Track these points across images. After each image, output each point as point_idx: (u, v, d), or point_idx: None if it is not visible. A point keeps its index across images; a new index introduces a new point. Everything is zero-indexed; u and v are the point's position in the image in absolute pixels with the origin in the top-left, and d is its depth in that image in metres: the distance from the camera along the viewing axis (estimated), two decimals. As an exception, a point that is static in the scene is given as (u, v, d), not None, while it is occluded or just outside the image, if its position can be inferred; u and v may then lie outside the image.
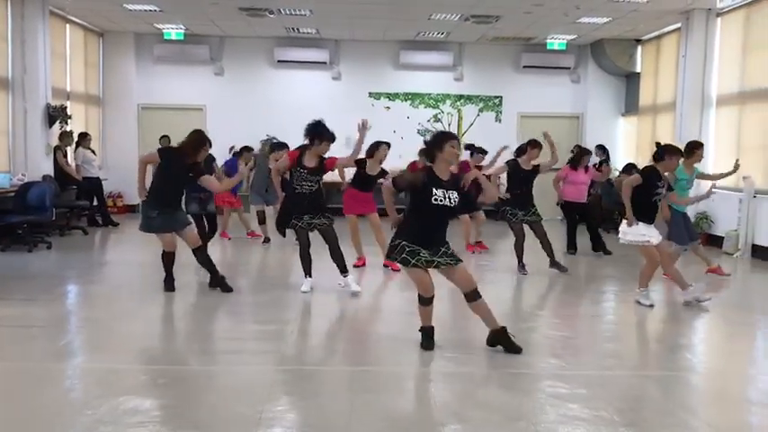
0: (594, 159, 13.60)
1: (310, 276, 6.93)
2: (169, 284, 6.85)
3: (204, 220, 8.89)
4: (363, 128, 6.84)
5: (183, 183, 6.83)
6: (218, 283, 6.90)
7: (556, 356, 5.10)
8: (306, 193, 6.74)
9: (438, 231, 5.00)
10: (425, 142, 5.09)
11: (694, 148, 7.65)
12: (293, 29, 13.53)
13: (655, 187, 6.52)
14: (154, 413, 3.85)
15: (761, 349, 5.78)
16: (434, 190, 4.85)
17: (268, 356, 4.95)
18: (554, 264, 8.38)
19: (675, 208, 7.64)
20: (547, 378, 4.58)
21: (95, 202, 12.20)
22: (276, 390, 4.25)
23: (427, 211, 4.91)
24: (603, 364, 5.02)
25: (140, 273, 8.40)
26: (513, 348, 4.98)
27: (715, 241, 10.80)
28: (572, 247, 10.06)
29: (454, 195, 4.92)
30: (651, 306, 6.62)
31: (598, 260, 9.55)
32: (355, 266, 8.22)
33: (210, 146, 6.91)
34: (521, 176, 8.36)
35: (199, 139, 6.72)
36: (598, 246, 10.01)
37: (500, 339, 5.03)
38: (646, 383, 4.62)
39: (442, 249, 4.97)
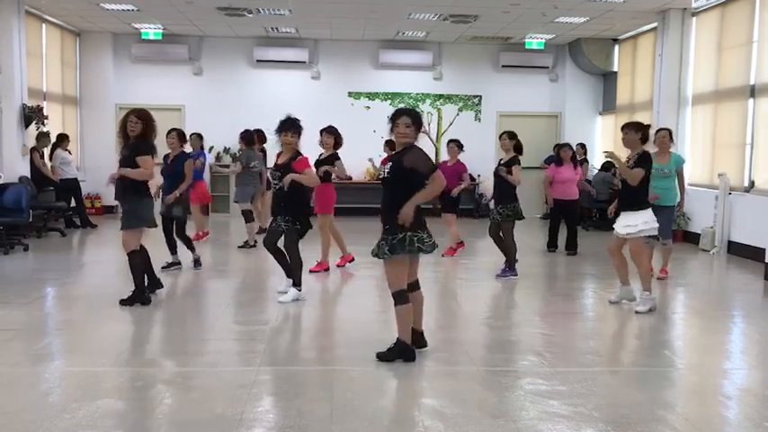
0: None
1: (296, 285, 6.57)
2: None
3: (173, 224, 8.01)
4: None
5: (123, 166, 6.23)
6: (135, 299, 6.32)
7: (536, 354, 5.13)
8: (279, 191, 6.42)
9: (385, 212, 4.68)
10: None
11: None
12: (272, 28, 13.49)
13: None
14: (132, 416, 3.82)
15: (736, 344, 5.86)
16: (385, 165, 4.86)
17: (248, 357, 4.93)
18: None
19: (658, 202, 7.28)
20: (527, 375, 4.62)
21: (73, 204, 12.07)
22: (257, 390, 4.24)
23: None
24: (583, 362, 5.07)
25: (119, 274, 8.32)
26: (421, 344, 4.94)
27: (692, 238, 10.93)
28: (553, 245, 10.12)
29: (388, 166, 4.74)
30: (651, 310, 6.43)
31: (574, 258, 9.62)
32: (338, 266, 8.24)
33: (141, 117, 6.22)
34: (496, 173, 8.14)
35: (122, 117, 6.34)
36: (572, 245, 10.03)
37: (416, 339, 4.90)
38: (624, 380, 4.67)
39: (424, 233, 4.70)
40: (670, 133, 7.88)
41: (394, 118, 4.72)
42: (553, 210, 10.17)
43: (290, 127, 6.35)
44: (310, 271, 7.79)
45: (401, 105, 14.59)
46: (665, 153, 7.73)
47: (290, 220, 6.42)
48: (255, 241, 9.77)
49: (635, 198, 6.37)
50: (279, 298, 6.54)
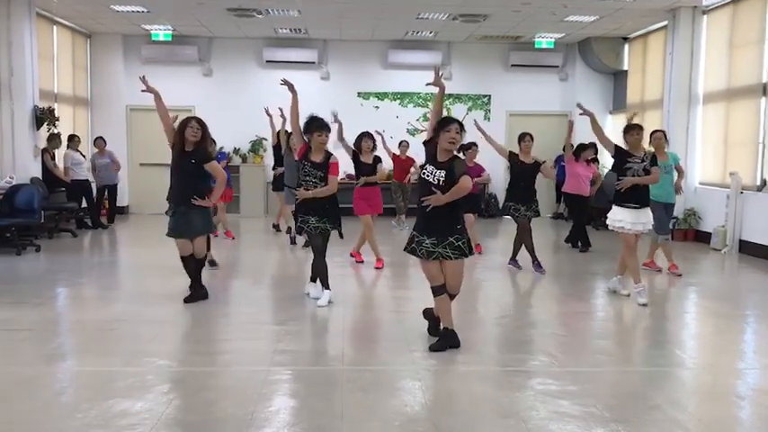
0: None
1: (328, 288, 6.49)
2: (194, 294, 6.51)
3: None
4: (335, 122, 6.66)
5: (189, 174, 6.28)
6: (197, 297, 6.54)
7: (547, 354, 5.12)
8: (310, 190, 6.31)
9: (433, 216, 4.95)
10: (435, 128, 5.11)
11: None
12: (281, 29, 13.51)
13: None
14: (144, 416, 3.84)
15: (749, 344, 5.82)
16: (427, 165, 5.02)
17: (259, 357, 4.94)
18: (513, 261, 8.46)
19: (660, 199, 7.82)
20: (537, 375, 4.61)
21: (84, 204, 12.14)
22: (268, 390, 4.25)
23: (421, 191, 5.04)
24: (593, 361, 5.05)
25: (130, 275, 8.38)
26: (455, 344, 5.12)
27: (703, 237, 10.87)
28: (585, 243, 9.99)
29: (441, 174, 4.93)
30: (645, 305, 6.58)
31: (587, 256, 9.60)
32: (376, 268, 8.30)
33: (201, 124, 6.31)
34: (520, 170, 8.25)
35: (181, 122, 6.32)
36: (576, 241, 10.07)
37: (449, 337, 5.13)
38: (635, 379, 4.65)
39: (450, 239, 4.95)
40: (664, 134, 8.21)
41: (445, 124, 4.96)
42: (570, 206, 10.17)
43: (325, 126, 6.38)
44: (376, 267, 8.33)
45: (411, 107, 14.63)
46: (662, 152, 7.95)
47: (334, 223, 6.43)
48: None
49: (647, 195, 6.73)
50: (319, 302, 6.43)
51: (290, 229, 10.54)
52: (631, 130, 6.81)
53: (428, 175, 4.99)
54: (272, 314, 6.34)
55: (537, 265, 8.22)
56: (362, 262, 8.64)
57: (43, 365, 4.73)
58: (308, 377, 4.57)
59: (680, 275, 8.07)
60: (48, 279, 7.90)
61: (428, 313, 5.48)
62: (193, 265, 6.56)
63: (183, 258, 6.52)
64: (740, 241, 10.01)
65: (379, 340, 5.50)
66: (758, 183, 9.86)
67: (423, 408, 4.06)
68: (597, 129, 6.88)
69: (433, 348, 5.05)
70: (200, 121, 6.35)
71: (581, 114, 6.90)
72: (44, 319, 6.05)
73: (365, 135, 8.51)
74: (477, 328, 5.93)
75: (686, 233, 11.27)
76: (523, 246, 8.32)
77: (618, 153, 6.73)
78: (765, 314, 6.64)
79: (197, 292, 6.55)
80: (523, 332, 5.82)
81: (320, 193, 6.28)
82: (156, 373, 4.56)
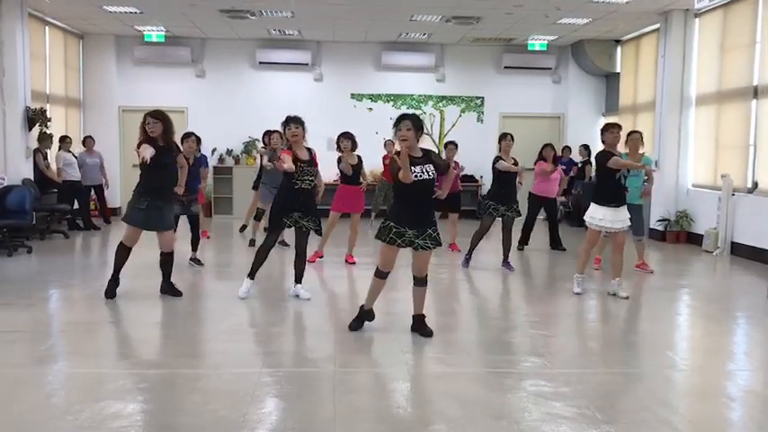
0: (578, 159, 13.76)
1: (252, 278, 6.71)
2: (111, 288, 6.63)
3: (189, 223, 8.53)
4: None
5: (169, 169, 6.52)
6: (168, 289, 6.75)
7: (538, 355, 5.13)
8: (305, 189, 6.44)
9: (423, 208, 5.25)
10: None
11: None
12: (275, 30, 13.50)
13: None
14: (135, 418, 3.83)
15: (740, 345, 5.84)
16: (412, 167, 5.10)
17: (251, 359, 4.94)
18: (506, 263, 8.52)
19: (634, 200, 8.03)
20: (529, 377, 4.62)
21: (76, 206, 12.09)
22: (260, 392, 4.24)
23: (411, 189, 5.15)
24: (585, 363, 5.07)
25: (121, 277, 8.34)
26: (426, 333, 5.46)
27: (695, 239, 10.92)
28: (524, 241, 10.25)
29: (430, 168, 5.18)
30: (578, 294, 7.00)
31: (569, 257, 9.62)
32: (309, 261, 8.25)
33: (158, 117, 6.38)
34: (502, 171, 8.38)
35: (141, 122, 6.42)
36: (559, 243, 10.24)
37: (419, 324, 5.52)
38: (627, 381, 4.67)
39: (428, 231, 5.24)
40: (641, 136, 8.23)
41: (397, 122, 5.19)
42: (531, 204, 10.27)
43: (295, 119, 6.44)
44: (348, 262, 8.66)
45: (405, 109, 14.65)
46: (636, 153, 7.99)
47: (315, 221, 6.56)
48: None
49: (625, 194, 7.02)
50: (304, 297, 6.68)
51: (244, 227, 11.23)
52: (611, 128, 6.94)
53: (420, 174, 5.11)
54: (263, 315, 6.33)
55: (507, 263, 8.47)
56: (354, 263, 8.65)
57: (34, 367, 4.71)
58: (300, 379, 4.56)
59: (651, 272, 8.40)
60: (39, 280, 7.86)
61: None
62: (162, 258, 6.72)
63: (125, 248, 6.59)
64: (732, 243, 10.05)
65: (371, 341, 5.50)
66: (749, 185, 9.91)
67: (414, 409, 4.06)
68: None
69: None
70: (154, 114, 6.41)
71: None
72: (35, 320, 6.03)
73: (341, 135, 8.48)
74: (466, 329, 5.93)
75: (678, 235, 11.32)
76: (485, 241, 8.66)
77: (602, 154, 6.89)
78: (756, 316, 6.67)
79: (170, 287, 6.75)
80: (513, 334, 5.83)
81: (322, 186, 6.80)
82: (147, 375, 4.55)
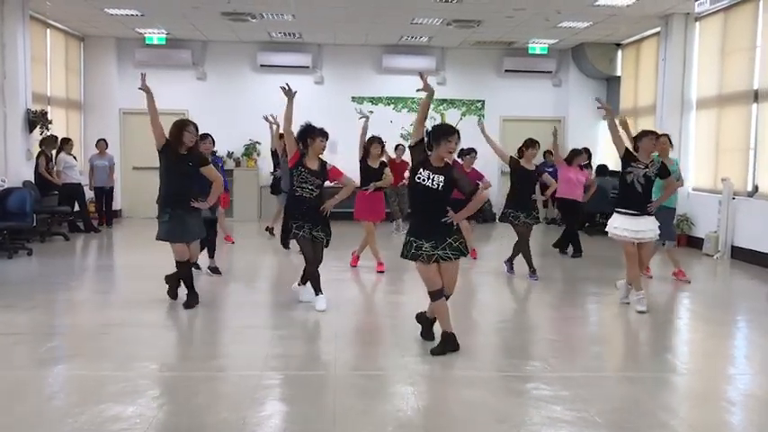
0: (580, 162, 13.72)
1: (322, 293, 6.48)
2: (190, 300, 6.45)
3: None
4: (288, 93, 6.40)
5: (186, 177, 6.29)
6: (192, 300, 6.50)
7: (540, 359, 5.13)
8: (306, 197, 6.29)
9: (433, 219, 5.01)
10: (427, 134, 5.16)
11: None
12: (276, 33, 13.52)
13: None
14: (135, 420, 3.82)
15: (740, 349, 5.84)
16: (421, 170, 5.00)
17: (253, 362, 4.93)
18: (508, 264, 8.50)
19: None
20: (531, 380, 4.61)
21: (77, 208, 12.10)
22: (260, 395, 4.24)
23: (416, 196, 5.06)
24: (586, 367, 5.06)
25: (122, 279, 8.35)
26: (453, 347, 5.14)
27: (695, 243, 10.92)
28: (578, 249, 9.92)
29: (440, 179, 4.97)
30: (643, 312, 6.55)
31: (576, 262, 9.62)
32: (378, 272, 8.30)
33: (197, 129, 6.40)
34: (522, 177, 8.24)
35: (177, 123, 6.32)
36: (564, 246, 10.09)
37: (449, 341, 5.16)
38: (628, 385, 4.66)
39: (448, 240, 5.01)
40: (669, 139, 8.01)
41: (446, 134, 5.01)
42: (563, 212, 10.17)
43: (326, 133, 6.41)
44: (378, 271, 8.35)
45: (405, 112, 14.63)
46: (667, 157, 7.82)
47: (328, 232, 6.44)
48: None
49: (643, 201, 6.62)
50: (318, 307, 6.41)
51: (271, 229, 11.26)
52: (649, 134, 6.69)
53: (425, 180, 4.98)
54: (266, 319, 6.33)
55: (532, 272, 8.16)
56: (356, 266, 8.63)
57: (34, 369, 4.71)
58: (301, 382, 4.56)
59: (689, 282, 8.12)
60: (39, 283, 7.86)
61: (421, 317, 5.48)
62: (190, 269, 6.55)
63: (180, 264, 6.45)
64: (732, 247, 10.05)
65: (373, 345, 5.49)
66: (750, 189, 9.90)
67: (415, 413, 4.05)
68: (613, 126, 6.67)
69: (433, 352, 5.06)
70: (195, 126, 6.40)
71: (599, 108, 6.97)
72: (35, 322, 6.03)
73: (375, 140, 8.43)
74: (470, 333, 5.92)
75: (679, 239, 11.29)
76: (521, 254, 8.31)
77: (625, 156, 6.61)
78: (757, 320, 6.66)
79: (194, 297, 6.51)
80: (516, 337, 5.83)
81: (348, 192, 6.55)
82: (147, 378, 4.55)
